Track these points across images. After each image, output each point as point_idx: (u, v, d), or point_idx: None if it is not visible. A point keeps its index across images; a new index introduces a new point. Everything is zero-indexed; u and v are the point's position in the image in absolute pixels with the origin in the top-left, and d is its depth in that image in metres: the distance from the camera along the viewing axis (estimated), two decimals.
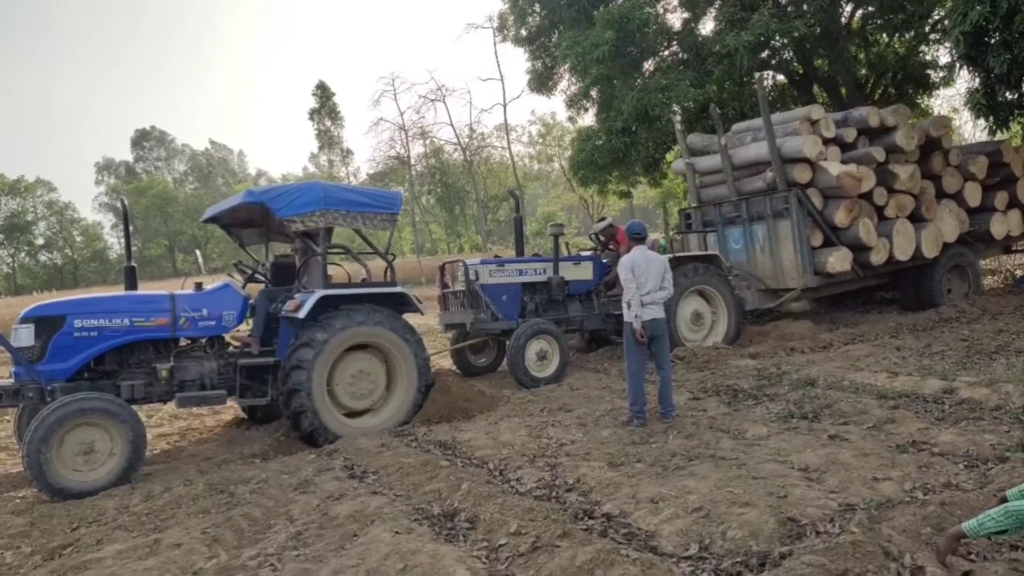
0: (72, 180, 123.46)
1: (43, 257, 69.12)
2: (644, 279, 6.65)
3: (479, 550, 4.07)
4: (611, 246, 11.08)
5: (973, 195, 12.46)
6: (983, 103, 11.26)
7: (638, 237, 6.98)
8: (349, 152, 57.76)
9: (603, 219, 11.71)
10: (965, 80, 16.31)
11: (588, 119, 21.00)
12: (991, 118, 11.83)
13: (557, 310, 10.21)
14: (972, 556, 3.39)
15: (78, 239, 70.75)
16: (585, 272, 10.48)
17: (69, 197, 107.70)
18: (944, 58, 17.77)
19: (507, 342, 9.46)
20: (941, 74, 17.96)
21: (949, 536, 2.69)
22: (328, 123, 53.96)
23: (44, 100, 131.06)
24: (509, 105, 57.05)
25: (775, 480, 4.62)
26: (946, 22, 12.97)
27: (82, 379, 6.75)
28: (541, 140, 57.95)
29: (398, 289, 7.78)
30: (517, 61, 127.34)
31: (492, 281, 9.75)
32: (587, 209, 48.04)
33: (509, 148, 50.32)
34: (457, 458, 6.05)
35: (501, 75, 65.53)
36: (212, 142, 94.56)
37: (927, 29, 16.58)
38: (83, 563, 4.42)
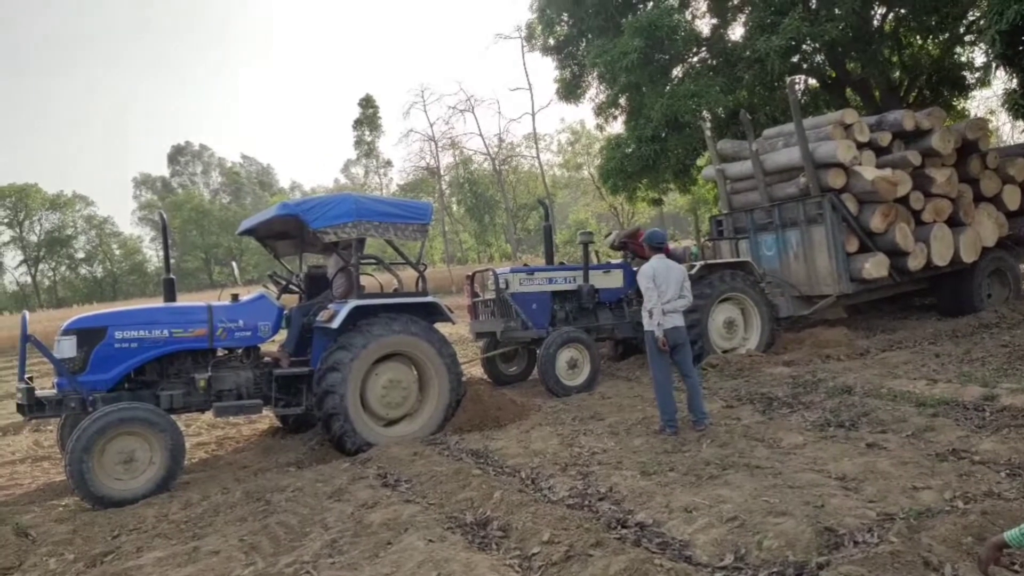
0: (110, 195, 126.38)
1: (83, 270, 70.78)
2: (664, 288, 6.63)
3: (512, 558, 4.08)
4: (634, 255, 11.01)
5: (1012, 198, 12.19)
6: (1022, 103, 11.02)
7: (658, 246, 6.96)
8: (388, 163, 58.65)
9: (625, 229, 11.62)
10: (1002, 80, 15.99)
11: (617, 127, 20.96)
12: None
13: (587, 318, 10.19)
14: (1016, 567, 3.31)
15: (117, 252, 72.32)
16: (615, 280, 10.45)
17: (107, 211, 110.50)
18: (980, 59, 17.46)
19: (538, 351, 9.47)
20: (977, 75, 17.61)
21: (991, 546, 2.63)
22: (368, 134, 54.86)
23: (80, 116, 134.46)
24: (538, 114, 57.19)
25: (812, 489, 4.56)
26: (982, 22, 12.74)
27: (123, 389, 6.90)
28: (570, 148, 57.95)
29: (429, 299, 7.86)
30: (545, 70, 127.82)
31: (522, 290, 9.77)
32: (617, 217, 47.88)
33: (538, 157, 50.43)
34: (489, 466, 6.07)
35: (529, 84, 65.75)
36: (244, 156, 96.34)
37: (961, 30, 16.28)
38: (124, 570, 4.52)
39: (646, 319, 6.77)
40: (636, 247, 10.85)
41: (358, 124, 54.81)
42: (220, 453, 8.25)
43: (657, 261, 6.81)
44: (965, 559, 3.36)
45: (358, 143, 55.33)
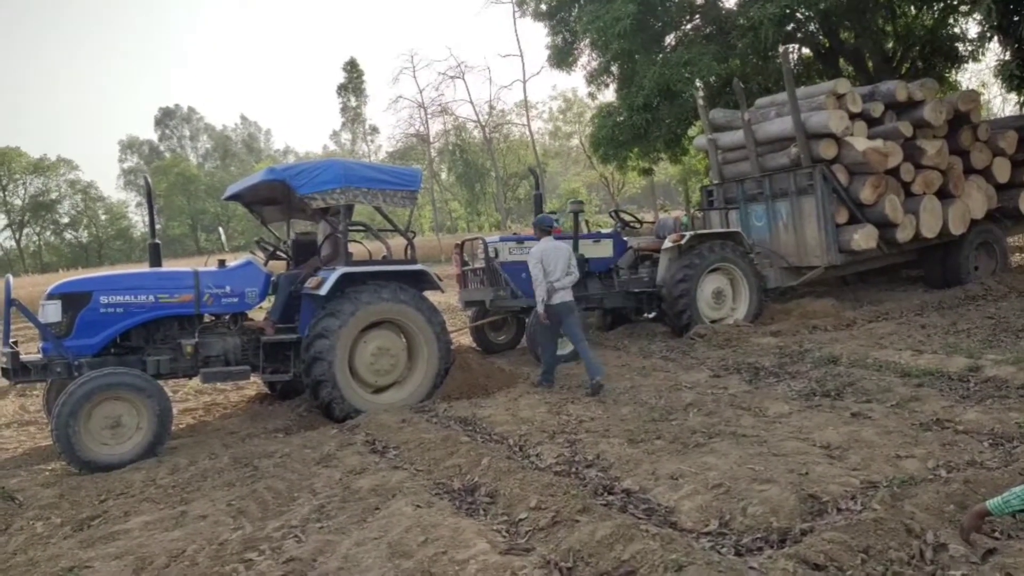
0: (95, 159, 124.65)
1: (68, 235, 70.02)
2: (552, 268, 7.49)
3: (499, 524, 4.11)
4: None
5: (1002, 171, 12.20)
6: (1017, 74, 10.96)
7: (547, 229, 7.84)
8: (375, 129, 58.22)
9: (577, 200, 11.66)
10: (995, 52, 15.94)
11: (609, 95, 20.77)
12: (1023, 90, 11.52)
13: (576, 288, 10.14)
14: (996, 534, 3.36)
15: (103, 217, 71.51)
16: (605, 250, 10.43)
17: (92, 176, 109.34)
18: (973, 30, 17.35)
19: (526, 320, 9.46)
20: (970, 47, 17.52)
21: (973, 514, 2.65)
22: (354, 100, 54.16)
23: (66, 78, 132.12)
24: (529, 82, 56.60)
25: (796, 457, 4.60)
26: None
27: (109, 355, 6.85)
28: (561, 116, 57.53)
29: (418, 267, 7.82)
30: (537, 36, 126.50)
31: (512, 259, 9.72)
32: (607, 187, 47.72)
33: (528, 125, 50.02)
34: (477, 434, 6.09)
35: (521, 51, 65.30)
36: (243, 118, 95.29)
37: (955, 1, 16.16)
38: (111, 534, 4.53)
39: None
40: None
41: (343, 90, 54.10)
42: (208, 419, 8.24)
43: (546, 243, 7.67)
44: (947, 527, 3.40)
45: (344, 109, 54.74)
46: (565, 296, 7.56)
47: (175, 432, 7.12)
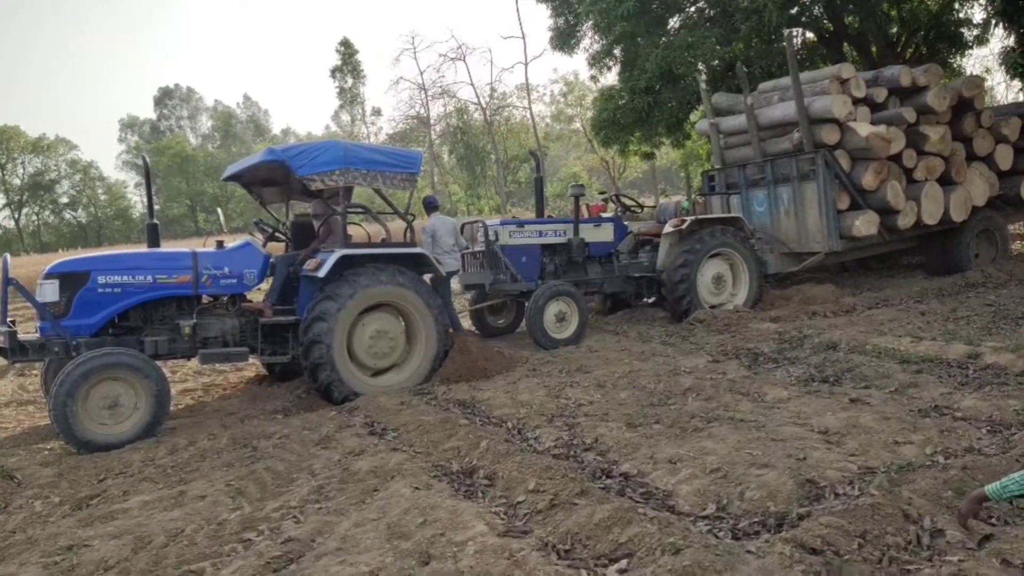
0: (94, 139, 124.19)
1: (67, 215, 69.84)
2: (443, 239, 9.38)
3: (497, 507, 4.12)
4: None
5: (1004, 158, 12.14)
6: (1021, 61, 10.88)
7: (435, 206, 9.94)
8: (377, 112, 57.83)
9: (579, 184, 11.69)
10: (999, 39, 15.81)
11: (611, 78, 20.65)
12: None
13: (577, 272, 10.16)
14: (993, 520, 3.37)
15: (102, 197, 71.27)
16: (605, 234, 10.40)
17: (91, 156, 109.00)
18: (978, 15, 17.22)
19: (526, 303, 9.46)
20: (975, 32, 17.40)
21: (971, 499, 2.65)
22: (350, 80, 53.69)
23: (65, 56, 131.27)
24: (530, 64, 56.29)
25: (794, 442, 4.61)
26: None
27: (107, 335, 6.84)
28: (563, 99, 57.19)
29: (417, 250, 7.81)
30: (539, 18, 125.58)
31: (512, 242, 9.71)
32: (608, 171, 47.53)
33: (530, 108, 49.74)
34: (476, 417, 6.10)
35: (523, 33, 64.54)
36: (246, 97, 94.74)
37: None
38: (110, 513, 4.54)
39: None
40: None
41: (338, 71, 53.55)
42: (206, 400, 8.25)
43: (435, 218, 9.53)
44: (944, 512, 3.41)
45: (340, 92, 54.29)
46: (451, 265, 9.30)
47: (174, 412, 7.14)
